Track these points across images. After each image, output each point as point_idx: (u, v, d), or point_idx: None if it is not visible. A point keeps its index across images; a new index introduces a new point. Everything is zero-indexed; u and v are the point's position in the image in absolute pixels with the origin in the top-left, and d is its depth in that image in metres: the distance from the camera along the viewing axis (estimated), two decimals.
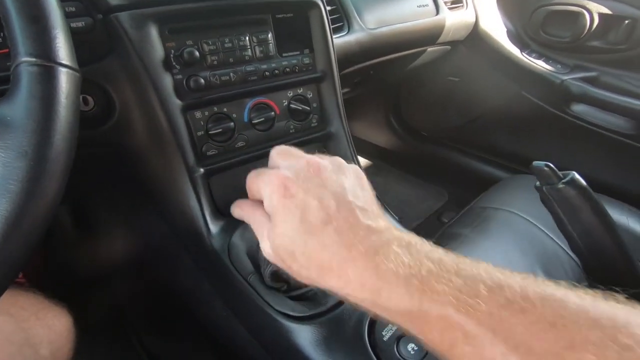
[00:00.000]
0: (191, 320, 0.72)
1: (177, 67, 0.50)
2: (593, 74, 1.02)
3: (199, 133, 0.53)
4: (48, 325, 0.51)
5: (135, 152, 0.55)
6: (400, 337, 0.38)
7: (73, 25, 0.41)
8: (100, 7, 0.44)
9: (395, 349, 0.38)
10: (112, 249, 0.91)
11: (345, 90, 1.02)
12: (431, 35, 0.99)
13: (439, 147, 1.46)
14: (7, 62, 0.50)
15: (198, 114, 0.53)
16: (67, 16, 0.27)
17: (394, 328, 0.40)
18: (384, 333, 0.39)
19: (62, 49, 0.25)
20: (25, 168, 0.22)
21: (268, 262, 0.44)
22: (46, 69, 0.24)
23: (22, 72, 0.23)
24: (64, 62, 0.25)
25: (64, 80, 0.24)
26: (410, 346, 0.37)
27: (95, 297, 0.90)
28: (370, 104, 1.53)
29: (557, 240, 0.75)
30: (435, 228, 0.84)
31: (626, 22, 0.93)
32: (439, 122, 1.44)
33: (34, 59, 0.23)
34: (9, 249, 0.22)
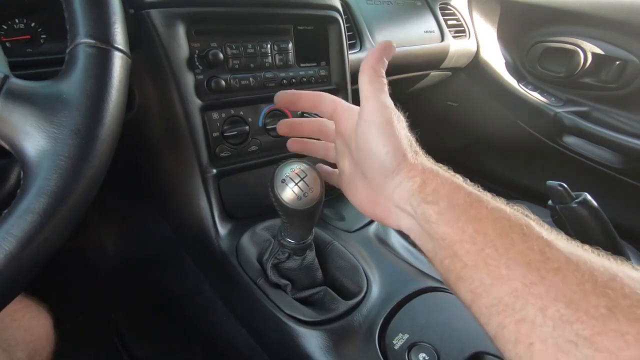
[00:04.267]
0: (184, 324, 0.71)
1: (200, 67, 0.51)
2: (585, 108, 1.07)
3: (215, 134, 0.53)
4: (25, 327, 0.49)
5: (148, 148, 0.55)
6: (412, 345, 0.39)
7: None
8: (134, 3, 0.45)
9: (407, 358, 0.38)
10: (102, 248, 0.89)
11: None
12: (435, 60, 1.03)
13: None
14: (26, 49, 0.50)
15: (215, 115, 0.53)
16: None
17: (405, 336, 0.40)
18: (394, 342, 0.40)
19: (120, 34, 0.25)
20: (77, 145, 0.22)
21: (271, 256, 0.44)
22: (104, 52, 0.24)
23: (79, 53, 0.24)
24: (120, 47, 0.25)
25: (119, 64, 0.25)
26: (422, 355, 0.38)
27: (80, 298, 0.87)
28: None
29: None
30: None
31: (617, 63, 0.99)
32: (433, 145, 1.47)
33: (93, 41, 0.24)
34: (54, 225, 0.22)
